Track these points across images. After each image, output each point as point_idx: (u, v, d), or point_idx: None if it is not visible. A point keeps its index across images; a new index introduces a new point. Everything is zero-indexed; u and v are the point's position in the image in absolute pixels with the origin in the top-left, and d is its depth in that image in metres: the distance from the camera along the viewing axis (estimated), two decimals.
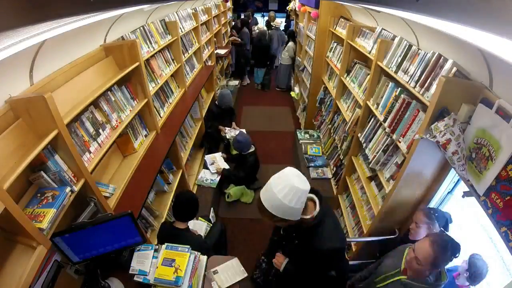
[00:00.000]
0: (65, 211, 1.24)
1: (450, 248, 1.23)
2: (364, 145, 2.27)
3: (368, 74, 2.38)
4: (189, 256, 1.51)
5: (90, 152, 1.54)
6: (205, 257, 1.65)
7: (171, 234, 1.89)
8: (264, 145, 4.49)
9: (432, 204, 1.77)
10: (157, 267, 1.46)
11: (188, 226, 1.98)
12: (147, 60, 2.33)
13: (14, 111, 1.14)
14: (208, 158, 3.44)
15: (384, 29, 2.26)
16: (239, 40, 6.68)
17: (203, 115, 3.84)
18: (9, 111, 1.13)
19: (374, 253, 2.10)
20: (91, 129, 1.58)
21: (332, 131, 3.37)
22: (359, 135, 2.40)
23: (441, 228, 1.61)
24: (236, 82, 6.58)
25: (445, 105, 1.30)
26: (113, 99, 1.85)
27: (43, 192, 1.21)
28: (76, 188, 1.33)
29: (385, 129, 1.93)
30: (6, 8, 0.46)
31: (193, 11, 3.67)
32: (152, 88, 2.32)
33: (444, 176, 1.60)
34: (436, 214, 1.60)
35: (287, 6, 7.70)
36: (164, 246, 1.54)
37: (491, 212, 1.09)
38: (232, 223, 3.10)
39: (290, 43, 6.29)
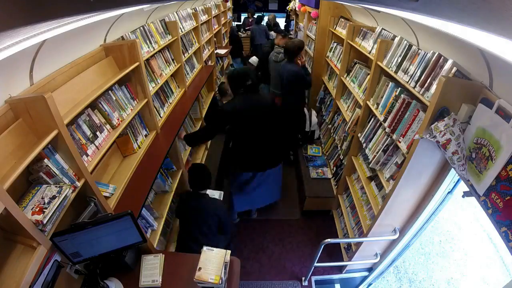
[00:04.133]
0: (65, 211, 1.24)
1: None
2: (364, 145, 2.27)
3: (368, 74, 2.39)
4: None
5: (87, 155, 1.53)
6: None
7: (194, 197, 2.13)
8: None
9: (432, 204, 1.77)
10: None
11: (207, 192, 2.18)
12: (147, 60, 2.33)
13: (14, 111, 1.14)
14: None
15: (384, 29, 2.26)
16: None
17: (203, 115, 3.84)
18: (9, 111, 1.13)
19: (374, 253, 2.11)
20: (88, 132, 1.58)
21: (332, 131, 3.37)
22: (359, 135, 2.40)
23: None
24: None
25: (445, 105, 1.30)
26: (114, 98, 1.85)
27: None
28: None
29: (385, 129, 1.93)
30: (6, 8, 0.46)
31: (193, 11, 3.67)
32: (152, 88, 2.32)
33: (444, 176, 1.60)
34: None
35: (287, 6, 7.71)
36: None
37: (491, 212, 1.09)
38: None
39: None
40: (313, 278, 2.59)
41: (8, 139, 1.08)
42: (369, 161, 2.12)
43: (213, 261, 1.49)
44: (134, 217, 1.34)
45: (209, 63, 4.56)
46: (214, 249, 1.54)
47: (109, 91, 1.81)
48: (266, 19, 7.53)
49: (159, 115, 2.51)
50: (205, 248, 1.54)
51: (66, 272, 1.36)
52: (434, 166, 1.60)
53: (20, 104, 1.13)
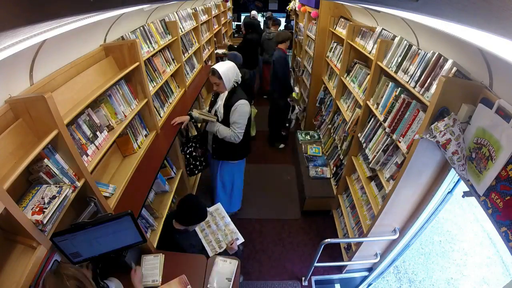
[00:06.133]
0: (65, 211, 1.24)
1: None
2: (364, 145, 2.27)
3: (368, 74, 2.38)
4: None
5: (87, 155, 1.53)
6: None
7: (167, 230, 1.99)
8: (264, 145, 4.50)
9: (432, 204, 1.77)
10: None
11: (185, 228, 1.94)
12: (151, 58, 2.33)
13: (14, 111, 1.14)
14: None
15: (384, 29, 2.26)
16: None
17: None
18: (9, 111, 1.13)
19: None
20: (88, 132, 1.58)
21: (332, 131, 3.37)
22: (359, 135, 2.40)
23: None
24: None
25: (445, 105, 1.29)
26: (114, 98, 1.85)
27: None
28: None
29: (385, 129, 1.93)
30: (6, 8, 0.46)
31: (193, 11, 3.67)
32: (152, 88, 2.32)
33: (444, 176, 1.60)
34: None
35: (287, 6, 7.71)
36: None
37: (491, 212, 1.09)
38: None
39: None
40: (313, 278, 2.59)
41: (8, 139, 1.08)
42: (369, 161, 2.12)
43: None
44: (134, 217, 1.34)
45: (209, 63, 4.57)
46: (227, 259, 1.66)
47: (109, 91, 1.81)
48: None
49: (159, 115, 2.51)
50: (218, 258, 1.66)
51: None
52: (434, 166, 1.60)
53: (20, 104, 1.13)
